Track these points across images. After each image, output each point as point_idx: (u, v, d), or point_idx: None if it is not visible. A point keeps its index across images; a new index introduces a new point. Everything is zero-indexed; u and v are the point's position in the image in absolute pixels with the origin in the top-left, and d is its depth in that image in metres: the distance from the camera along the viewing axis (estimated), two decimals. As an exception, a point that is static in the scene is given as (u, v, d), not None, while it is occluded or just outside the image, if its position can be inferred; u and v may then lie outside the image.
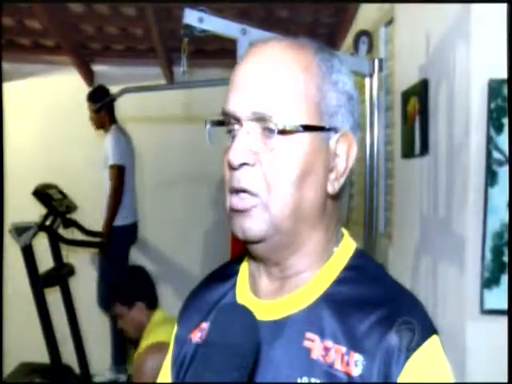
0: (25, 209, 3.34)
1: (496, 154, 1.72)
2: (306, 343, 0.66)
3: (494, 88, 1.73)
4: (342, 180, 0.71)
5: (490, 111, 1.73)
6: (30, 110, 4.22)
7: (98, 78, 4.23)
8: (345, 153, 0.71)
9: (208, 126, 0.75)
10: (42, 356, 3.25)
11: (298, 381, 0.64)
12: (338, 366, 0.63)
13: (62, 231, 3.48)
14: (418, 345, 0.63)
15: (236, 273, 0.80)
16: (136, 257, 3.98)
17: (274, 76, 0.68)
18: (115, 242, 3.54)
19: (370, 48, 2.21)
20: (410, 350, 0.62)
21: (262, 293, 0.73)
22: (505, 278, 1.73)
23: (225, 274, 0.82)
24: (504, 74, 1.70)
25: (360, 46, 2.17)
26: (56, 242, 3.46)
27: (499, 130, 1.72)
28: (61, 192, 3.54)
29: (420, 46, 2.21)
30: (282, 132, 0.66)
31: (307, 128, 0.67)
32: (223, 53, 3.65)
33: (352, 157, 0.71)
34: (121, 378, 3.61)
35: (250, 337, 0.61)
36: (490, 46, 1.74)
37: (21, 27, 3.75)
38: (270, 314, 0.70)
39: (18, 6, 3.38)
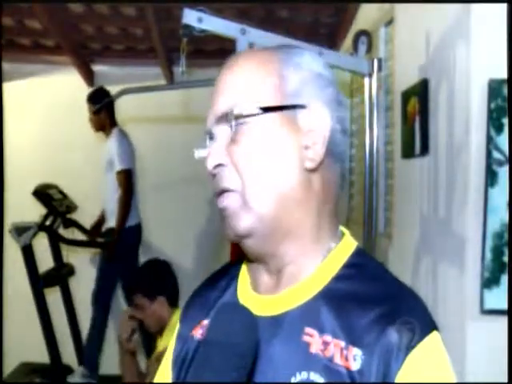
0: (25, 209, 3.34)
1: (496, 154, 1.72)
2: (305, 338, 0.66)
3: (494, 88, 1.73)
4: (321, 152, 0.70)
5: (489, 111, 1.73)
6: (30, 109, 4.22)
7: (98, 78, 4.23)
8: (318, 126, 0.70)
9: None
10: (42, 356, 3.26)
11: (298, 375, 0.64)
12: (338, 360, 0.63)
13: (62, 231, 3.48)
14: (418, 341, 0.63)
15: (238, 271, 0.80)
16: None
17: (233, 80, 0.71)
18: (126, 242, 3.54)
19: (370, 48, 2.21)
20: (410, 346, 0.62)
21: (261, 288, 0.74)
22: (505, 278, 1.73)
23: (227, 272, 0.82)
24: (504, 74, 1.70)
25: (359, 46, 2.17)
26: (56, 242, 3.46)
27: (499, 130, 1.72)
28: (61, 192, 3.55)
29: (420, 46, 2.21)
30: (241, 119, 0.68)
31: (266, 110, 0.68)
32: (223, 53, 3.64)
33: (325, 128, 0.70)
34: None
35: (249, 336, 0.61)
36: (490, 46, 1.74)
37: (21, 27, 3.75)
38: (269, 310, 0.70)
39: (18, 6, 3.38)
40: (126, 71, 4.20)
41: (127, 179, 3.54)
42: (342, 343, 0.64)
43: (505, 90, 1.71)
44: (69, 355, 3.48)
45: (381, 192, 2.77)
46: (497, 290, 1.73)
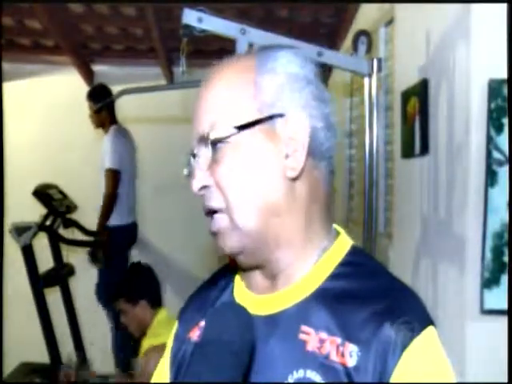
0: (25, 209, 3.34)
1: (496, 154, 1.72)
2: (302, 336, 0.66)
3: (494, 88, 1.73)
4: (302, 160, 0.69)
5: (489, 111, 1.73)
6: (30, 109, 4.22)
7: (98, 77, 4.22)
8: (297, 133, 0.69)
9: None
10: (42, 356, 3.25)
11: (294, 373, 0.64)
12: (334, 357, 0.64)
13: (62, 231, 3.48)
14: (414, 336, 0.63)
15: (234, 273, 0.80)
16: (136, 257, 3.97)
17: (210, 98, 0.71)
18: (113, 242, 3.55)
19: (370, 48, 2.21)
20: (406, 341, 0.62)
21: (257, 289, 0.74)
22: (505, 278, 1.73)
23: (224, 274, 0.82)
24: (504, 74, 1.70)
25: (359, 46, 2.17)
26: (56, 242, 3.46)
27: (499, 130, 1.72)
28: (61, 192, 3.54)
29: (420, 46, 2.21)
30: (219, 141, 0.68)
31: (243, 127, 0.68)
32: (223, 53, 3.63)
33: (304, 135, 0.69)
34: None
35: (245, 334, 0.61)
36: (490, 46, 1.74)
37: (21, 27, 3.75)
38: (265, 309, 0.70)
39: (18, 6, 3.38)
40: (126, 71, 4.20)
41: (113, 179, 3.54)
42: (339, 340, 0.64)
43: (505, 90, 1.71)
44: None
45: (381, 192, 2.77)
46: (497, 290, 1.73)
